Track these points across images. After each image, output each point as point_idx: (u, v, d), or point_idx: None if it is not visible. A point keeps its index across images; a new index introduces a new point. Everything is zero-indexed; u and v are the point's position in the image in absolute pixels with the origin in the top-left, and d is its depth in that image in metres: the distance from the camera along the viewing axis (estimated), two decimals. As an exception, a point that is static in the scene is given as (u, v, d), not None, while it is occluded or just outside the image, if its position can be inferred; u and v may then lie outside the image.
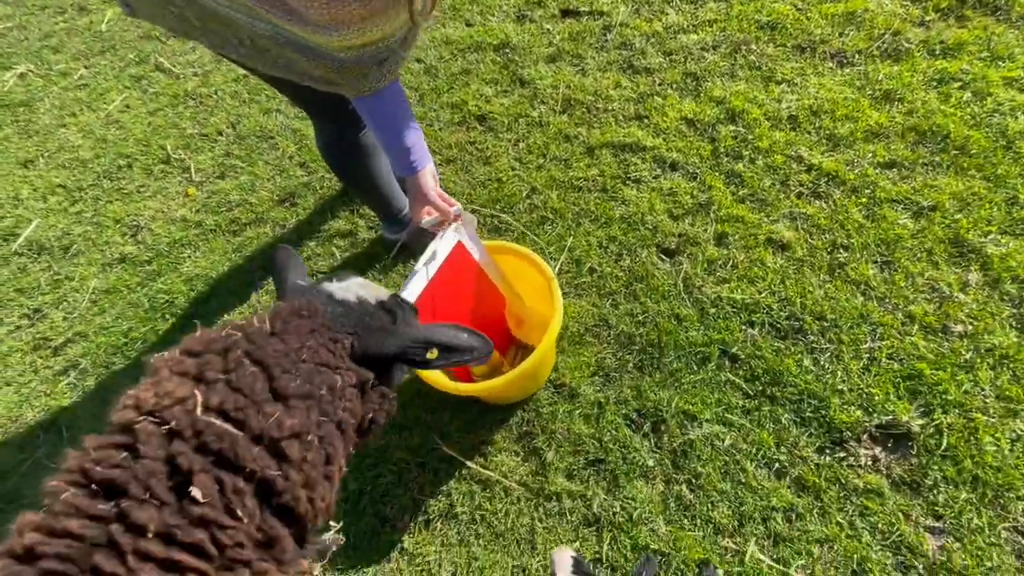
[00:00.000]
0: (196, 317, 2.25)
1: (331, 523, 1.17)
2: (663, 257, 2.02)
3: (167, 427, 0.69)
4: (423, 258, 1.59)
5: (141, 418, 0.71)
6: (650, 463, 1.61)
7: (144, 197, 2.74)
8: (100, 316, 2.34)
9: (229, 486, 0.69)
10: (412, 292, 1.51)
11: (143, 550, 0.64)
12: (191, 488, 0.67)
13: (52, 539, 0.63)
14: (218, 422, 0.70)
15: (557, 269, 2.04)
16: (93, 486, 0.67)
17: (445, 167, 2.48)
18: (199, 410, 0.71)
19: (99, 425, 0.76)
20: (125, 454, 0.68)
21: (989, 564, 1.30)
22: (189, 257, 2.50)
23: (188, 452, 0.68)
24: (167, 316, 2.30)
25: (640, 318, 1.88)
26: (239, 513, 0.70)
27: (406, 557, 1.62)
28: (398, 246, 2.26)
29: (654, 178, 2.20)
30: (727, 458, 1.56)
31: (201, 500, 0.67)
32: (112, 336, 2.26)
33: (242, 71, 3.18)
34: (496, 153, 2.44)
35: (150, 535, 0.64)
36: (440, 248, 1.61)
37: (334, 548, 1.13)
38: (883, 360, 1.61)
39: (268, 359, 0.78)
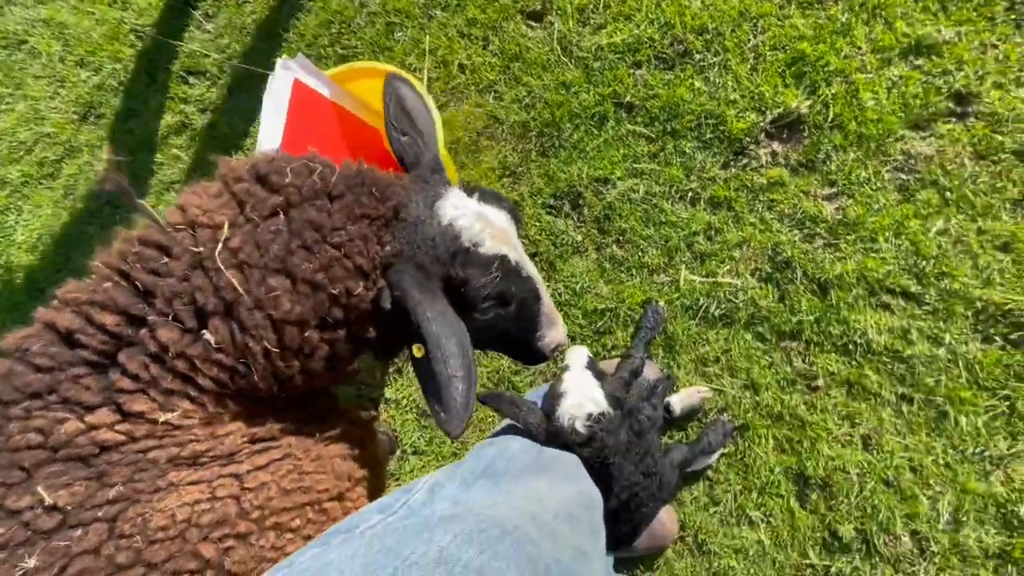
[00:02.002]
0: (59, 282, 1.98)
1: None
2: (531, 24, 1.79)
3: (196, 250, 0.73)
4: (263, 113, 1.35)
5: (183, 226, 0.75)
6: (579, 238, 1.64)
7: (-88, 174, 2.17)
8: (-42, 322, 2.03)
9: (239, 341, 0.74)
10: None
11: (168, 363, 0.72)
12: (204, 332, 0.72)
13: (90, 329, 0.71)
14: (228, 274, 0.72)
15: (425, 78, 1.80)
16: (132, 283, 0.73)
17: (253, 1, 2.00)
18: (218, 248, 0.73)
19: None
20: (164, 260, 0.74)
21: (876, 206, 1.45)
22: (17, 223, 2.10)
23: (208, 292, 0.72)
24: (30, 294, 2.01)
25: (528, 101, 1.74)
26: (256, 378, 0.76)
27: (392, 405, 1.71)
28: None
29: (494, -71, 1.84)
30: (645, 206, 1.60)
31: (214, 345, 0.72)
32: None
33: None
34: (303, -39, 1.96)
35: (170, 354, 0.71)
36: (274, 96, 1.36)
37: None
38: (767, 54, 1.57)
39: (298, 224, 0.76)
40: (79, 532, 0.61)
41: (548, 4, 1.77)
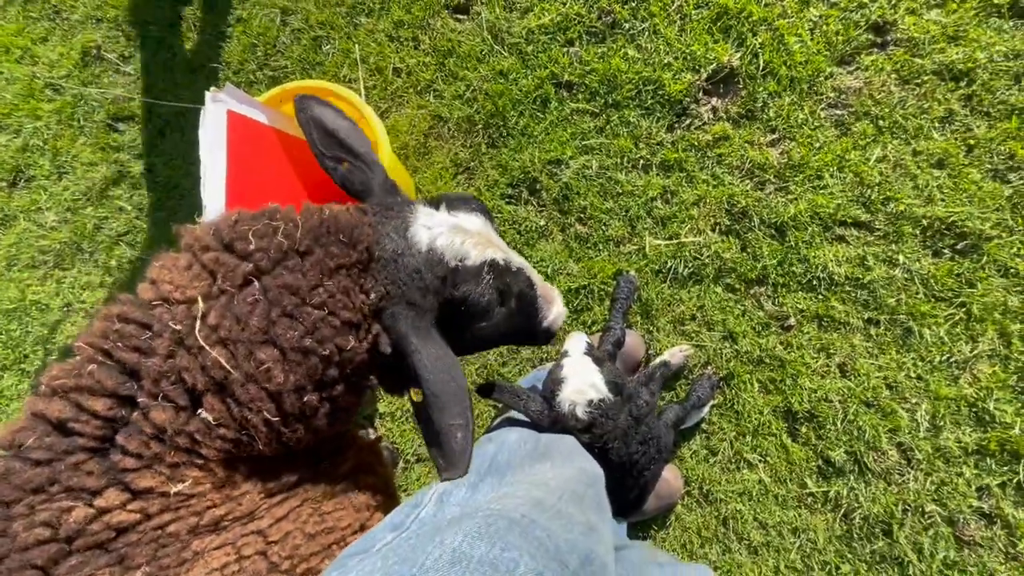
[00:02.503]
0: (20, 357, 1.90)
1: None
2: (459, 17, 1.78)
3: (176, 327, 0.71)
4: (201, 150, 1.32)
5: (158, 301, 0.73)
6: (541, 223, 1.66)
7: None
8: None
9: (237, 415, 0.72)
10: (213, 194, 1.29)
11: (168, 441, 0.70)
12: (201, 411, 0.70)
13: (83, 416, 0.68)
14: (213, 352, 0.70)
15: (361, 88, 1.78)
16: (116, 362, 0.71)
17: (171, 38, 1.93)
18: (198, 325, 0.70)
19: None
20: (145, 335, 0.71)
21: (817, 145, 1.50)
22: (-38, 304, 2.00)
23: (196, 371, 0.70)
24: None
25: (468, 95, 1.73)
26: (261, 446, 0.74)
27: (387, 417, 1.71)
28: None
29: (405, -74, 1.81)
30: (601, 180, 1.62)
31: (213, 422, 0.71)
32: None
33: None
34: (215, -13, 1.89)
35: (169, 433, 0.69)
36: (210, 131, 1.32)
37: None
38: (692, 13, 1.59)
39: (274, 292, 0.72)
40: None
41: (472, -5, 1.76)
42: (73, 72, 2.00)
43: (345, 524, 0.79)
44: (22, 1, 2.10)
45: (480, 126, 1.72)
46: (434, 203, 0.90)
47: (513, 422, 0.97)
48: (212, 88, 1.34)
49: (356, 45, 1.80)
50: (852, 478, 1.39)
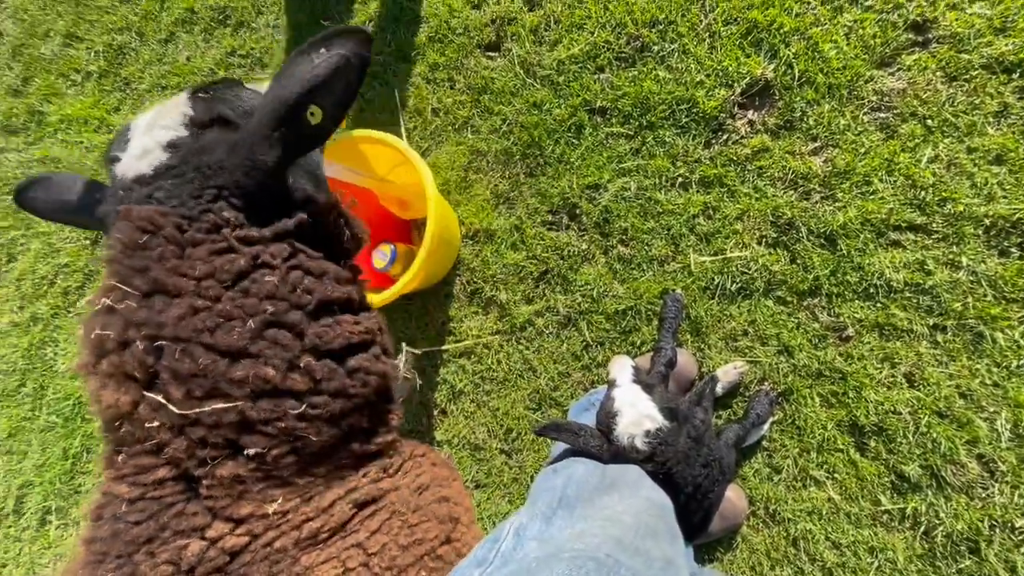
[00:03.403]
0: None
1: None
2: (491, 55, 1.85)
3: (150, 425, 0.69)
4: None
5: (116, 421, 0.71)
6: (583, 247, 1.68)
7: (-49, 332, 2.29)
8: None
9: (275, 431, 0.72)
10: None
11: (244, 479, 0.71)
12: (246, 451, 0.71)
13: (150, 489, 0.70)
14: (208, 408, 0.68)
15: (403, 130, 1.87)
16: (148, 444, 0.70)
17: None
18: (175, 410, 0.68)
19: None
20: (154, 424, 0.69)
21: (863, 149, 1.47)
22: (56, 354, 2.20)
23: (208, 432, 0.70)
24: (84, 419, 2.10)
25: (504, 128, 1.79)
26: (313, 438, 0.74)
27: (445, 445, 1.75)
28: None
29: (434, -25, 1.91)
30: (640, 201, 1.64)
31: (263, 451, 0.72)
32: (54, 471, 2.09)
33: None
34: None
35: (241, 474, 0.71)
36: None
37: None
38: (721, 30, 1.60)
39: (183, 335, 0.68)
40: None
41: (503, 32, 1.83)
42: (143, 137, 2.19)
43: (432, 535, 0.82)
44: (97, 77, 2.32)
45: (517, 157, 1.77)
46: (119, 140, 0.77)
47: (577, 453, 1.00)
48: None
49: (395, 90, 1.89)
50: (930, 493, 1.33)
